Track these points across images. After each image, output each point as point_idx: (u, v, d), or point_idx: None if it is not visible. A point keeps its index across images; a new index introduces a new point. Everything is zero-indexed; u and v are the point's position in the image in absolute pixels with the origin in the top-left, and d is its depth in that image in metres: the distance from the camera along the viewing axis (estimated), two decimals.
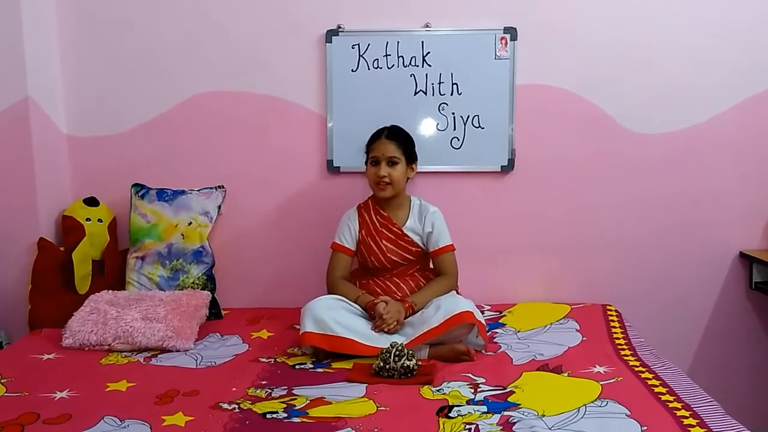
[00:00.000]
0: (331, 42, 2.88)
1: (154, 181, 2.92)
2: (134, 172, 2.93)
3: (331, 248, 2.67)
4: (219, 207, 2.91)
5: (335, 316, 2.38)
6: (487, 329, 2.50)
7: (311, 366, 2.31)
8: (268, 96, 2.93)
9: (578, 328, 2.60)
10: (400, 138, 2.63)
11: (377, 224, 2.64)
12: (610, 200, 2.96)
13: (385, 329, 2.41)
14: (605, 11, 2.88)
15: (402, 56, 2.88)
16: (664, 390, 1.99)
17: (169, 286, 2.77)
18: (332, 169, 2.94)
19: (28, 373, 2.22)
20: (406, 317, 2.47)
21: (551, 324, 2.65)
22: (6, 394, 2.05)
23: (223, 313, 2.83)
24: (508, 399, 1.99)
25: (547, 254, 2.99)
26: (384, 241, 2.62)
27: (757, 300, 3.01)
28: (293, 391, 2.07)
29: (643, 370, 2.17)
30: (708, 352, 3.04)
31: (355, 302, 2.52)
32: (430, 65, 2.88)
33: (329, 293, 2.58)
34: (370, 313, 2.48)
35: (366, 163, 2.65)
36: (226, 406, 1.96)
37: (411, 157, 2.64)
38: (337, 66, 2.89)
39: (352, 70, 2.89)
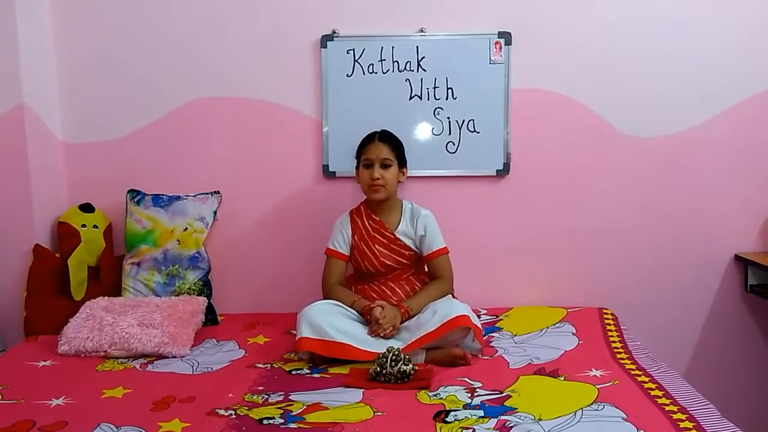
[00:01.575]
0: (326, 47, 2.88)
1: (149, 186, 2.92)
2: (129, 178, 2.93)
3: (325, 254, 2.67)
4: (215, 212, 2.91)
5: (332, 321, 2.37)
6: (483, 333, 2.50)
7: (308, 371, 2.31)
8: (263, 101, 2.93)
9: (574, 331, 2.60)
10: (392, 141, 2.64)
11: (370, 229, 2.64)
12: (606, 204, 2.97)
13: (381, 334, 2.41)
14: (599, 15, 2.89)
15: (397, 61, 2.89)
16: (660, 393, 1.99)
17: (165, 292, 2.77)
18: (328, 173, 2.94)
19: (24, 380, 2.21)
20: (402, 322, 2.47)
21: (547, 328, 2.66)
22: (1, 402, 2.04)
23: (219, 318, 2.82)
24: (505, 403, 1.99)
25: (543, 258, 2.99)
26: (377, 246, 2.62)
27: (753, 302, 3.01)
28: (290, 397, 2.07)
29: (640, 373, 2.17)
30: (704, 354, 3.04)
31: (351, 307, 2.52)
32: (424, 70, 2.89)
33: (325, 298, 2.58)
34: (366, 318, 2.48)
35: (357, 167, 2.66)
36: (222, 412, 1.95)
37: (402, 161, 2.65)
38: (332, 71, 2.90)
39: (347, 75, 2.90)
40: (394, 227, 2.65)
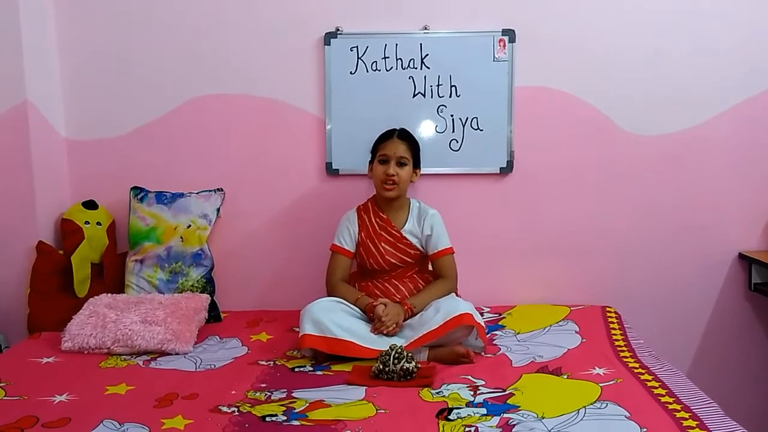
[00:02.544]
0: (329, 44, 2.88)
1: (152, 183, 2.92)
2: (133, 175, 2.93)
3: (330, 250, 2.67)
4: (218, 210, 2.91)
5: (334, 318, 2.37)
6: (486, 331, 2.50)
7: (310, 369, 2.31)
8: (266, 99, 2.93)
9: (578, 329, 2.60)
10: (411, 141, 2.64)
11: (376, 226, 2.64)
12: (609, 202, 2.96)
13: (384, 331, 2.41)
14: (603, 13, 2.88)
15: (400, 58, 2.88)
16: (663, 391, 1.99)
17: (168, 289, 2.77)
18: (331, 171, 2.94)
19: (27, 376, 2.21)
20: (405, 319, 2.47)
21: (551, 326, 2.65)
22: (5, 398, 2.04)
23: (222, 315, 2.82)
24: (508, 401, 1.99)
25: (546, 256, 2.98)
26: (383, 244, 2.62)
27: (757, 301, 3.01)
28: (293, 394, 2.07)
29: (643, 371, 2.17)
30: (707, 353, 3.04)
31: (354, 304, 2.52)
32: (428, 67, 2.89)
33: (328, 295, 2.58)
34: (370, 316, 2.48)
35: (371, 162, 2.65)
36: (225, 409, 1.95)
37: (417, 162, 2.66)
38: (336, 68, 2.89)
39: (351, 73, 2.90)
40: (400, 226, 2.65)
